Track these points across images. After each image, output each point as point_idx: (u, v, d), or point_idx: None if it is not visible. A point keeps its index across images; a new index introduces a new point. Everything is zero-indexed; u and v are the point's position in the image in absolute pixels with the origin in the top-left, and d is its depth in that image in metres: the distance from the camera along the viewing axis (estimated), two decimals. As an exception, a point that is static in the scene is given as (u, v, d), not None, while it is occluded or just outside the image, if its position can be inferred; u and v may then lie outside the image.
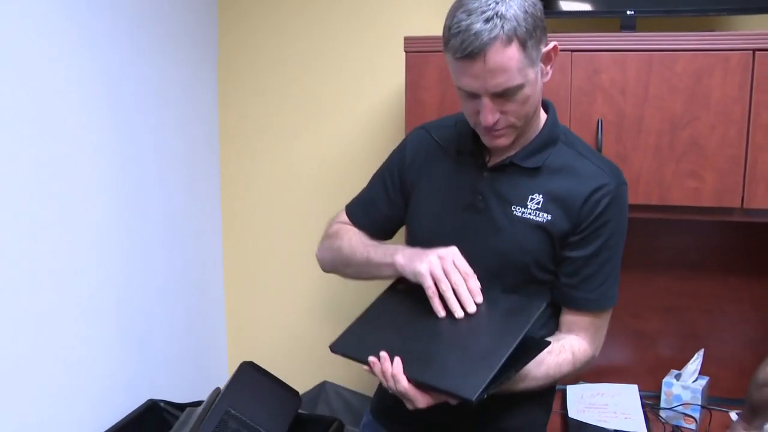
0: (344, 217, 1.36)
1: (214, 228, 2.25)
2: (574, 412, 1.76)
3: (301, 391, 1.74)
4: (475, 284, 1.07)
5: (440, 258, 1.08)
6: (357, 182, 1.39)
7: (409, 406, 1.03)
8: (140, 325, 1.83)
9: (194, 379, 2.04)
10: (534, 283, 1.17)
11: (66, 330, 1.52)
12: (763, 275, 1.84)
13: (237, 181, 2.25)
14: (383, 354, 1.03)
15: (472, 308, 1.06)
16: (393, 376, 1.01)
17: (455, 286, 1.06)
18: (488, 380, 0.96)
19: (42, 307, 1.45)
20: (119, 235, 1.71)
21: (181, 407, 1.74)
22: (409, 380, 1.00)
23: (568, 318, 1.19)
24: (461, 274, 1.07)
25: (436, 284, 1.06)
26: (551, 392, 1.26)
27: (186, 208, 2.05)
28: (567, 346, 1.16)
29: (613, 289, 1.18)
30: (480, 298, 1.07)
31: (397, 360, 1.02)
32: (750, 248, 1.84)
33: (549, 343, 1.09)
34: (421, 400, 1.01)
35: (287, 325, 2.27)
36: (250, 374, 1.57)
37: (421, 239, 1.24)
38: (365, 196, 1.35)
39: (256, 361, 1.63)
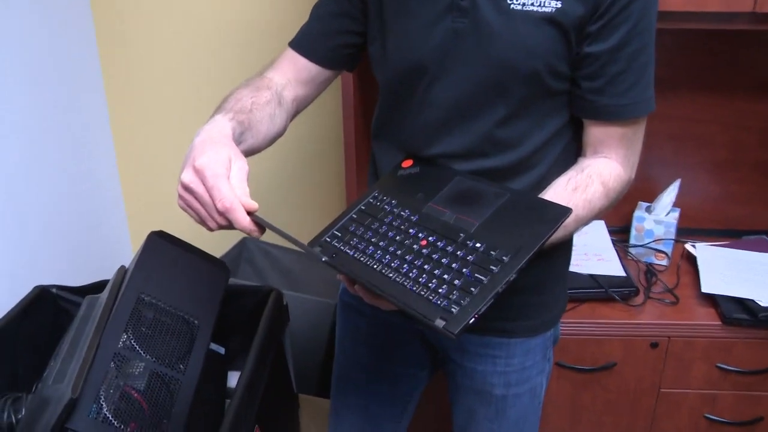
0: (273, 70, 1.04)
1: (96, 87, 1.80)
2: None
3: (218, 255, 1.46)
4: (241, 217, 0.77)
5: (196, 172, 0.78)
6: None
7: None
8: (19, 202, 1.48)
9: (92, 260, 1.70)
10: (548, 96, 0.91)
11: None
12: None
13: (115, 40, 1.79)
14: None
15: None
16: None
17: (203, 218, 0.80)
18: (475, 312, 0.76)
19: None
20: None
21: (79, 291, 1.41)
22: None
23: (593, 135, 0.95)
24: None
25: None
26: (570, 238, 1.05)
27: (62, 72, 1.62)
28: (594, 175, 0.93)
29: (649, 90, 0.93)
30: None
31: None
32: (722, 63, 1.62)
33: (570, 211, 0.84)
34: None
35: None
36: (161, 247, 1.24)
37: (392, 71, 0.96)
38: (312, 23, 1.04)
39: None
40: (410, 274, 0.85)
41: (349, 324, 1.20)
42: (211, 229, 0.79)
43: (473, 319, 0.76)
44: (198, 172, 0.76)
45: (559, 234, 0.88)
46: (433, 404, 1.45)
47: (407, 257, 0.87)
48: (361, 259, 0.90)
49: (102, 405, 1.00)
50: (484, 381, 1.09)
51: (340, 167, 1.83)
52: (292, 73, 1.03)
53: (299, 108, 1.06)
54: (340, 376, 1.24)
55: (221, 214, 0.75)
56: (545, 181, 0.96)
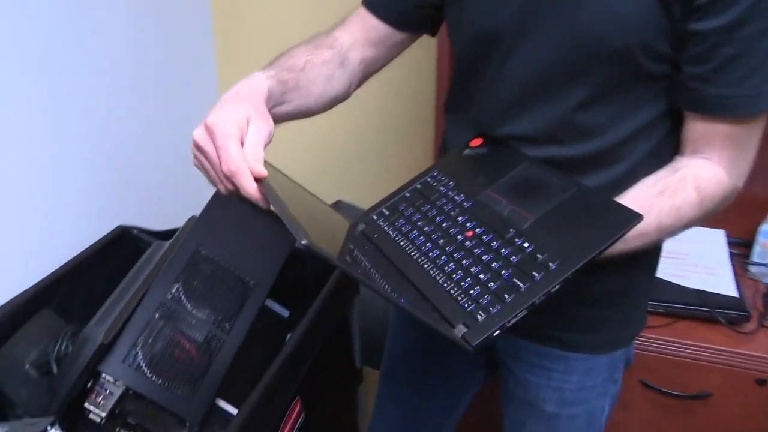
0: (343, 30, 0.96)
1: (204, 30, 1.81)
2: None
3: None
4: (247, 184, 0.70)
5: (207, 129, 0.71)
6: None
7: None
8: (112, 142, 1.52)
9: (177, 205, 1.73)
10: (641, 79, 0.77)
11: (36, 149, 1.29)
12: None
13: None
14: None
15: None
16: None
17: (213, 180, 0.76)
18: (501, 324, 0.66)
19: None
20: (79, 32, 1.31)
21: (159, 236, 1.44)
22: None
23: (694, 130, 0.79)
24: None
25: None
26: (657, 248, 0.91)
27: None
28: (689, 178, 0.78)
29: None
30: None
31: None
32: None
33: (639, 218, 0.70)
34: None
35: (296, 140, 1.90)
36: (229, 202, 1.22)
37: (467, 38, 0.87)
38: None
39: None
40: (446, 268, 0.76)
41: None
42: (223, 193, 0.74)
43: (498, 332, 0.66)
44: (208, 130, 0.70)
45: (635, 243, 0.75)
46: (486, 406, 1.35)
47: (448, 248, 0.78)
48: (401, 243, 0.83)
49: (138, 354, 1.00)
50: (536, 394, 0.98)
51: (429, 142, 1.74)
52: (361, 33, 0.95)
53: (368, 71, 0.98)
54: (390, 362, 1.18)
55: (228, 177, 0.70)
56: (631, 180, 0.82)
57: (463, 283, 0.72)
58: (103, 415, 1.05)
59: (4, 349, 1.14)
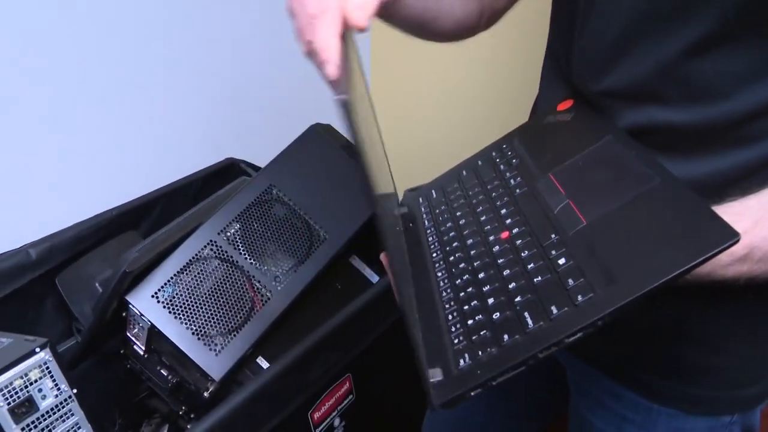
0: None
1: None
2: None
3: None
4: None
5: None
6: None
7: None
8: (235, 79, 1.47)
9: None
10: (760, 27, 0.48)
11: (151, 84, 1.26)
12: None
13: None
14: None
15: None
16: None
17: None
18: (478, 384, 0.45)
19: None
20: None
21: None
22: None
23: None
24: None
25: None
26: None
27: None
28: None
29: None
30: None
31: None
32: None
33: (735, 238, 0.42)
34: None
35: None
36: (318, 143, 1.08)
37: None
38: None
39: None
40: (458, 281, 0.54)
41: None
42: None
43: (472, 393, 0.44)
44: None
45: (737, 269, 0.47)
46: None
47: (473, 251, 0.56)
48: (429, 238, 0.62)
49: (171, 291, 0.89)
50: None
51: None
52: None
53: (494, 9, 0.77)
54: None
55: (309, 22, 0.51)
56: (764, 173, 0.53)
57: (466, 307, 0.50)
58: (144, 348, 0.97)
59: (80, 263, 1.11)
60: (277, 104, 1.58)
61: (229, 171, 1.34)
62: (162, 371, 1.00)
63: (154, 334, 0.90)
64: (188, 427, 1.07)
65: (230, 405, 0.80)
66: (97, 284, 1.11)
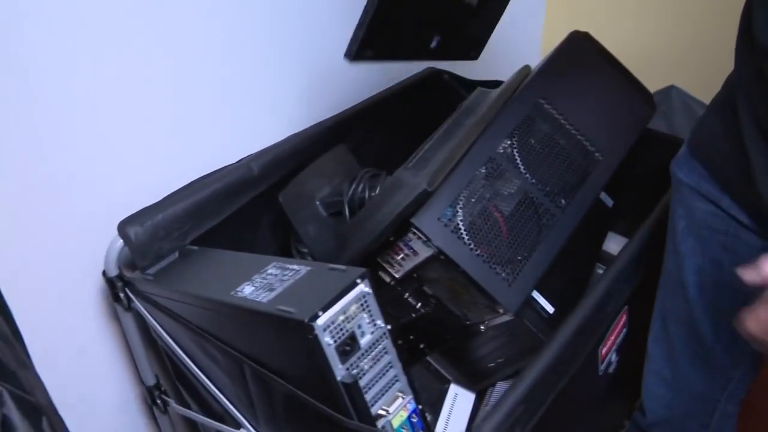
0: None
1: None
2: None
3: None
4: None
5: None
6: None
7: None
8: None
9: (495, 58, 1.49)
10: None
11: None
12: None
13: None
14: None
15: None
16: None
17: None
18: None
19: None
20: None
21: (472, 85, 1.21)
22: None
23: None
24: None
25: None
26: None
27: None
28: None
29: None
30: None
31: None
32: None
33: None
34: None
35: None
36: (582, 52, 0.95)
37: None
38: None
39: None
40: None
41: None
42: None
43: None
44: None
45: None
46: None
47: None
48: None
49: (458, 212, 0.79)
50: None
51: None
52: None
53: None
54: None
55: None
56: None
57: None
58: (398, 276, 0.89)
59: (299, 179, 1.01)
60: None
61: (430, 81, 1.22)
62: (410, 299, 0.92)
63: (431, 262, 0.81)
64: (428, 359, 1.00)
65: (558, 342, 0.71)
66: (317, 203, 1.02)
